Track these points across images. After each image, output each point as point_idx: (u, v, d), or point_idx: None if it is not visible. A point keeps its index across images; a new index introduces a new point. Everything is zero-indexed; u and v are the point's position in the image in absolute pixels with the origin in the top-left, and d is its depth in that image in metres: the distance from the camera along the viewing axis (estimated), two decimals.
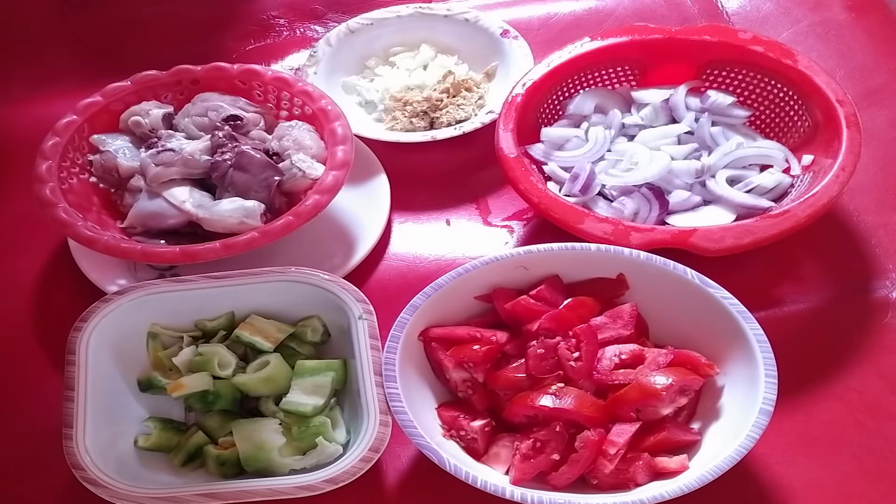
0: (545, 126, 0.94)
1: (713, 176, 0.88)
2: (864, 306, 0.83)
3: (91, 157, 0.90)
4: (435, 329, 0.75)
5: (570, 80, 0.96)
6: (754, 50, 0.93)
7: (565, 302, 0.76)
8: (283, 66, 1.10)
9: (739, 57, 0.93)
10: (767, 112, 0.94)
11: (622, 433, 0.68)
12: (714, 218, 0.85)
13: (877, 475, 0.72)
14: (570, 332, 0.72)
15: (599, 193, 0.89)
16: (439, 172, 0.98)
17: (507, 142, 0.88)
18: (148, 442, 0.73)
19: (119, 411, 0.73)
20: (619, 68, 0.97)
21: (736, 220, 0.85)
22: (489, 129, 0.92)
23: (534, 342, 0.72)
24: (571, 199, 0.87)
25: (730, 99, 0.93)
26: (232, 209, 0.83)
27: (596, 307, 0.76)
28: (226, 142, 0.87)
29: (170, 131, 0.90)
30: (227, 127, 0.89)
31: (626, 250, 0.76)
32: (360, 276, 0.87)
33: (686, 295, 0.74)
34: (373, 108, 1.04)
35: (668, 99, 0.94)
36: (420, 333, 0.74)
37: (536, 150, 0.92)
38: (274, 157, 0.87)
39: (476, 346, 0.73)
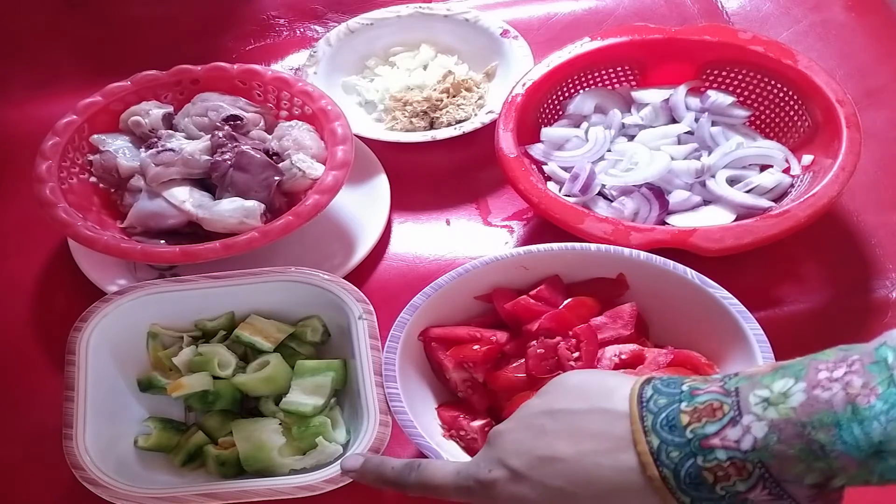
0: (545, 126, 0.94)
1: (713, 176, 0.88)
2: (864, 306, 0.83)
3: (91, 157, 0.90)
4: (435, 329, 0.75)
5: (570, 80, 0.96)
6: (754, 50, 0.93)
7: (565, 302, 0.76)
8: (283, 66, 1.10)
9: (739, 57, 0.93)
10: (767, 112, 0.94)
11: None
12: (714, 218, 0.85)
13: None
14: (570, 332, 0.72)
15: (599, 193, 0.89)
16: (439, 172, 0.98)
17: (507, 142, 0.88)
18: (148, 442, 0.72)
19: (119, 411, 0.73)
20: (619, 68, 0.97)
21: (736, 220, 0.85)
22: (489, 129, 0.92)
23: (534, 342, 0.72)
24: (571, 199, 0.87)
25: (730, 99, 0.93)
26: (232, 209, 0.83)
27: (596, 307, 0.76)
28: (226, 142, 0.87)
29: (170, 131, 0.90)
30: (227, 127, 0.89)
31: (626, 250, 0.76)
32: (360, 276, 0.86)
33: (686, 295, 0.74)
34: (373, 108, 1.04)
35: (668, 99, 0.94)
36: (420, 333, 0.74)
37: (536, 150, 0.92)
38: (274, 157, 0.87)
39: (476, 346, 0.73)
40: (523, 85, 0.93)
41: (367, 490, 0.71)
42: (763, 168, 0.90)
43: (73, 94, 0.94)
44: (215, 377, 0.74)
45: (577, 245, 0.77)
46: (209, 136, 0.88)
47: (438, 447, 0.66)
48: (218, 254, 0.80)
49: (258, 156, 0.86)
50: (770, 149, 0.90)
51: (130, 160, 0.89)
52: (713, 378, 0.51)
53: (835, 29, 1.09)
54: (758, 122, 0.95)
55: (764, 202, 0.85)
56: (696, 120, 0.92)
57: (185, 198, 0.85)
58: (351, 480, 0.65)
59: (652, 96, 0.95)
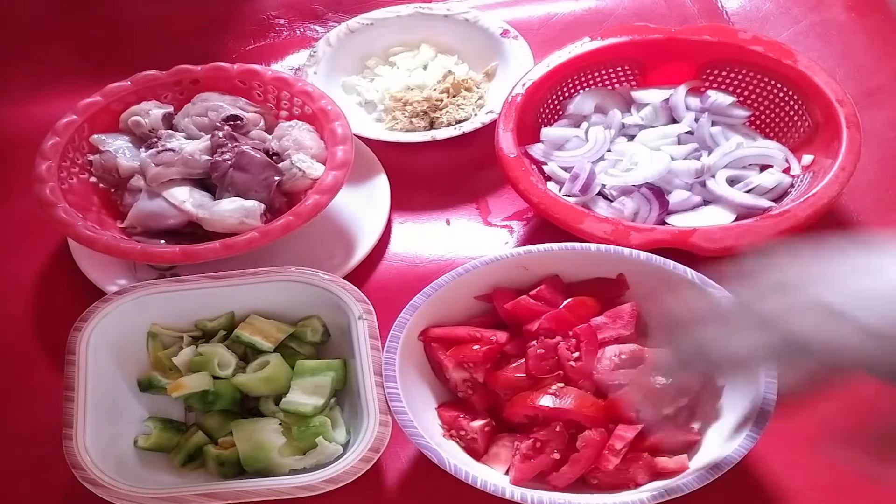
0: (545, 126, 0.94)
1: (713, 176, 0.88)
2: None
3: (91, 157, 0.90)
4: (435, 329, 0.75)
5: (569, 80, 0.96)
6: (754, 50, 0.93)
7: (565, 302, 0.76)
8: (283, 66, 1.10)
9: (739, 57, 0.93)
10: (767, 112, 0.94)
11: (629, 429, 0.68)
12: (714, 218, 0.85)
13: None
14: (570, 332, 0.72)
15: (599, 193, 0.89)
16: (439, 172, 0.98)
17: (507, 142, 0.88)
18: (148, 442, 0.73)
19: (119, 411, 0.73)
20: (619, 68, 0.97)
21: (736, 220, 0.85)
22: (489, 129, 0.92)
23: (534, 342, 0.72)
24: (571, 199, 0.87)
25: (730, 99, 0.93)
26: (232, 209, 0.83)
27: (596, 307, 0.76)
28: (226, 142, 0.87)
29: (170, 131, 0.90)
30: (227, 127, 0.89)
31: (626, 250, 0.76)
32: (360, 276, 0.86)
33: (686, 295, 0.74)
34: (373, 108, 1.04)
35: (668, 99, 0.94)
36: (420, 333, 0.74)
37: (536, 150, 0.92)
38: (274, 157, 0.87)
39: (476, 346, 0.73)
40: (523, 85, 0.93)
41: (368, 490, 0.71)
42: (763, 168, 0.90)
43: (73, 94, 0.94)
44: (215, 377, 0.74)
45: (577, 245, 0.77)
46: (209, 136, 0.88)
47: (438, 447, 0.66)
48: (218, 254, 0.80)
49: (258, 156, 0.86)
50: (770, 149, 0.90)
51: (130, 160, 0.89)
52: None
53: (835, 29, 1.09)
54: (758, 122, 0.95)
55: (764, 202, 0.85)
56: (696, 120, 0.92)
57: (185, 198, 0.85)
58: (351, 480, 0.65)
59: (652, 96, 0.95)
